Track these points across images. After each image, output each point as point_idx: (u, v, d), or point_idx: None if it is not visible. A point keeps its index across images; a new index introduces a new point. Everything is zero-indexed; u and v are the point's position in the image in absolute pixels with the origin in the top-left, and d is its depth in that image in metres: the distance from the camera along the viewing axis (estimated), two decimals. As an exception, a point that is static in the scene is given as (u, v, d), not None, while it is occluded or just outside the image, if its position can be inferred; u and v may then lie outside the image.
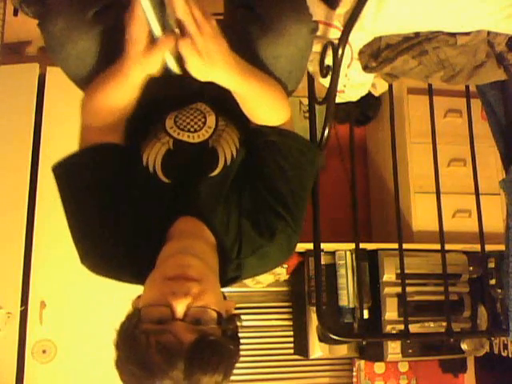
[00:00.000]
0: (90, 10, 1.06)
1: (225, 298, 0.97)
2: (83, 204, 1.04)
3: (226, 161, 1.06)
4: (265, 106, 1.05)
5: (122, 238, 1.02)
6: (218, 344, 0.79)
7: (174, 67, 0.90)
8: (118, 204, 1.03)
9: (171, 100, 1.13)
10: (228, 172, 1.06)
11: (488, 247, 1.82)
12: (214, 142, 1.07)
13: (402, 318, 2.12)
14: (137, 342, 0.79)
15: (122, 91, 0.97)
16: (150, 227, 1.02)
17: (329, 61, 1.28)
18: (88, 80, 1.05)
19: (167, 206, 1.03)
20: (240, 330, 0.92)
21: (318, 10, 1.29)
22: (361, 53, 1.38)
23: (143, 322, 0.82)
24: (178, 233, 0.98)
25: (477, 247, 1.87)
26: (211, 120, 1.09)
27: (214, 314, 0.83)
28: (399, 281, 2.09)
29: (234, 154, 1.07)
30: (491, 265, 2.32)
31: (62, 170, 1.06)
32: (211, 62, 0.86)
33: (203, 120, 1.09)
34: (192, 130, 1.07)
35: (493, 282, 2.30)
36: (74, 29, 1.04)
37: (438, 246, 1.77)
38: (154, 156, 1.06)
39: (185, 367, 0.75)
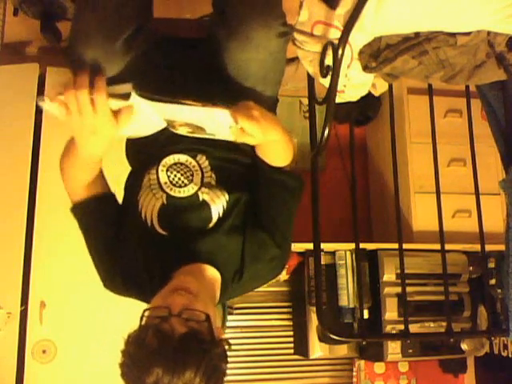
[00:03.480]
0: (119, 39, 1.10)
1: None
2: (97, 241, 1.19)
3: (219, 213, 1.14)
4: (281, 153, 1.16)
5: (128, 273, 1.14)
6: (204, 342, 0.90)
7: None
8: (122, 247, 1.16)
9: (163, 147, 1.20)
10: (224, 221, 1.14)
11: (488, 247, 1.82)
12: (204, 196, 1.14)
13: (402, 318, 2.12)
14: (139, 331, 0.93)
15: (84, 168, 1.11)
16: (153, 273, 1.11)
17: (329, 61, 1.28)
18: None
19: (168, 256, 1.10)
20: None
21: (317, 10, 1.29)
22: (361, 53, 1.38)
23: (146, 320, 0.95)
24: (181, 274, 1.06)
25: (477, 247, 1.87)
26: (197, 177, 1.16)
27: (203, 317, 0.94)
28: (399, 281, 2.09)
29: (225, 205, 1.14)
30: (491, 265, 2.32)
31: (74, 213, 1.21)
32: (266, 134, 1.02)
33: (190, 177, 1.16)
34: (182, 185, 1.15)
35: (493, 282, 2.30)
36: (104, 60, 1.12)
37: (438, 246, 1.77)
38: (150, 211, 1.14)
39: (174, 352, 0.86)
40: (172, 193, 1.14)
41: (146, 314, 0.96)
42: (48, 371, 1.79)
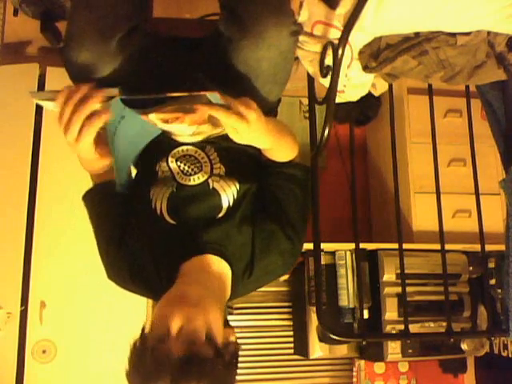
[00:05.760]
0: (113, 38, 1.11)
1: (228, 325, 1.03)
2: (104, 231, 1.19)
3: (229, 202, 1.13)
4: (284, 150, 1.17)
5: (137, 267, 1.13)
6: (204, 362, 0.85)
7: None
8: (131, 243, 1.15)
9: (172, 140, 1.20)
10: (234, 211, 1.13)
11: (488, 247, 1.82)
12: (215, 184, 1.13)
13: (402, 318, 2.12)
14: (137, 351, 0.89)
15: (89, 162, 1.12)
16: (162, 264, 1.10)
17: (329, 61, 1.28)
18: None
19: (176, 249, 1.08)
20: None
21: (317, 10, 1.29)
22: (361, 53, 1.38)
23: (147, 339, 0.90)
24: (188, 271, 1.04)
25: (477, 247, 1.86)
26: (206, 168, 1.16)
27: (203, 335, 0.88)
28: (399, 281, 2.09)
29: (235, 195, 1.14)
30: (491, 265, 2.32)
31: (84, 200, 1.22)
32: (254, 133, 1.00)
33: (200, 167, 1.16)
34: (192, 173, 1.15)
35: (493, 282, 2.30)
36: (98, 60, 1.11)
37: (438, 246, 1.77)
38: (160, 199, 1.13)
39: (171, 378, 0.83)
40: (182, 181, 1.14)
41: (146, 330, 0.92)
42: (48, 371, 1.79)
